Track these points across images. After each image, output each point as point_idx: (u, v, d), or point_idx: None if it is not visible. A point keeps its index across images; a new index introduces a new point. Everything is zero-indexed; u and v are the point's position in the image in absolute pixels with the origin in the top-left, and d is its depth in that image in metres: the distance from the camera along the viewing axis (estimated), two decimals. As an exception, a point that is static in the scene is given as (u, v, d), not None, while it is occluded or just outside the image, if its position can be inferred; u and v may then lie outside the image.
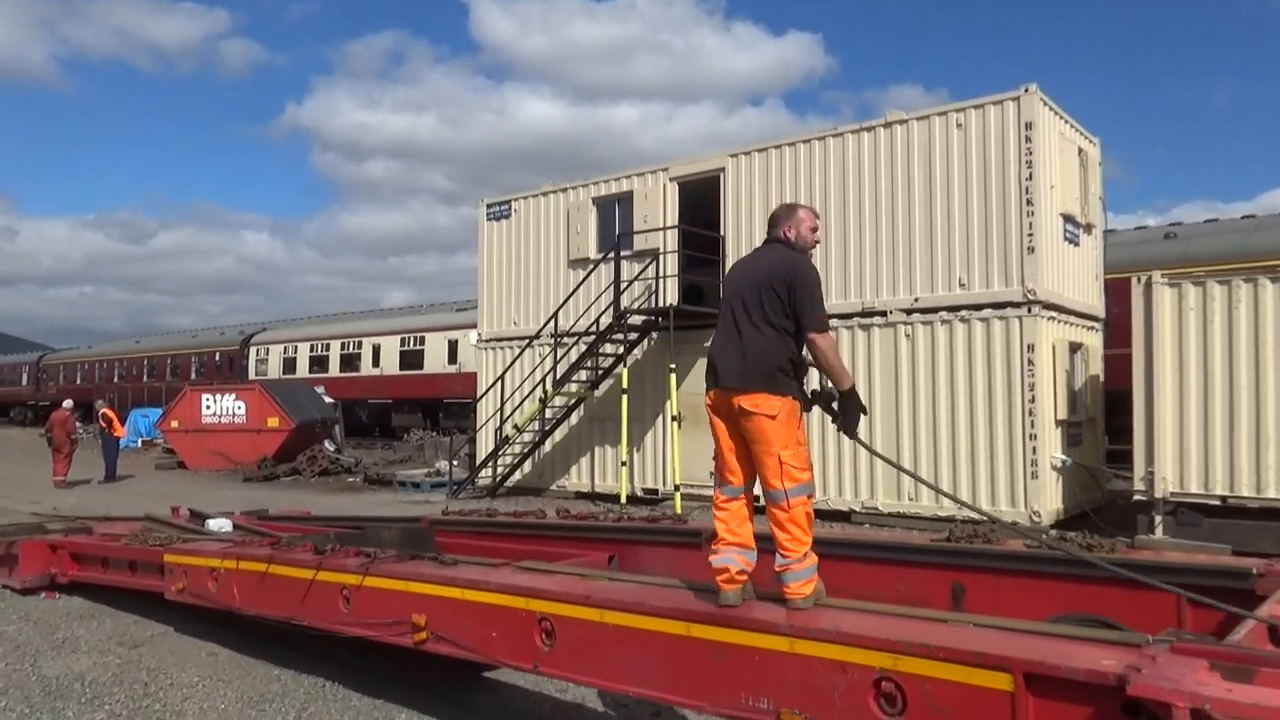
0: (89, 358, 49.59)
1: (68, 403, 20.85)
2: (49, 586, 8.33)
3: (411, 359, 30.43)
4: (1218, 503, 9.65)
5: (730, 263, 13.81)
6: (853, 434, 4.32)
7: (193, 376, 38.34)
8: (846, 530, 9.70)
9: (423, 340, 30.15)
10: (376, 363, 31.75)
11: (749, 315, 4.00)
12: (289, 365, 35.27)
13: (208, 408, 23.48)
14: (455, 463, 17.77)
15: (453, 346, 28.64)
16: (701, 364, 14.53)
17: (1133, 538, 8.18)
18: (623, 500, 13.71)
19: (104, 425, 20.38)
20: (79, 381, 47.58)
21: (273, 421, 22.51)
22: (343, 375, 32.69)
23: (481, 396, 16.74)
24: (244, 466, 21.41)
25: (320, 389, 26.63)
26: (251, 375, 35.73)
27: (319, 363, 34.16)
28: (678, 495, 13.12)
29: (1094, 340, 13.05)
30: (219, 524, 8.43)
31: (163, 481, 20.57)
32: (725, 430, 4.08)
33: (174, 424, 24.12)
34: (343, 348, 33.42)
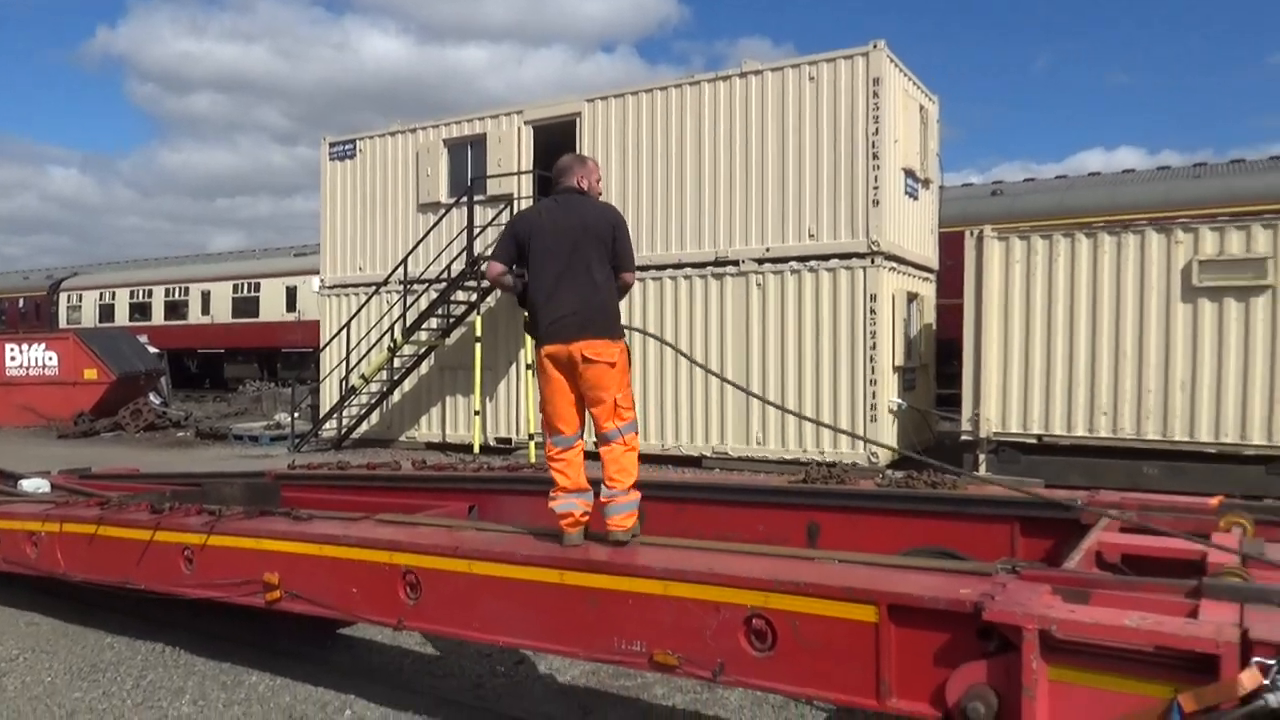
0: None
1: None
2: None
3: (246, 306, 28.76)
4: (1034, 441, 10.47)
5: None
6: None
7: (-7, 325, 34.97)
8: (707, 475, 9.92)
9: (258, 287, 28.52)
10: (206, 310, 29.84)
11: (587, 265, 4.05)
12: (106, 313, 32.64)
13: (12, 359, 21.49)
14: (297, 415, 17.01)
15: (291, 293, 27.26)
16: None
17: (964, 474, 8.77)
18: (476, 450, 13.54)
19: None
20: None
21: (90, 373, 20.85)
22: (168, 324, 30.55)
23: (325, 345, 16.06)
24: (58, 422, 19.79)
25: (143, 338, 24.81)
26: (62, 324, 32.88)
27: (140, 310, 31.77)
28: (532, 444, 13.06)
29: (928, 291, 13.79)
30: (34, 484, 7.73)
31: (-39, 440, 18.73)
32: (563, 382, 4.06)
33: (-28, 377, 21.93)
34: (168, 294, 31.19)
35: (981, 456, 10.67)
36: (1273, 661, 2.22)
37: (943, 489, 4.94)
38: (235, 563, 4.71)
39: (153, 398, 21.86)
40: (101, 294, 33.27)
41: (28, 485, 7.72)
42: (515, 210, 13.92)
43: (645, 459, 12.14)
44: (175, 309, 30.91)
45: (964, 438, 10.94)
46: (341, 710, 4.45)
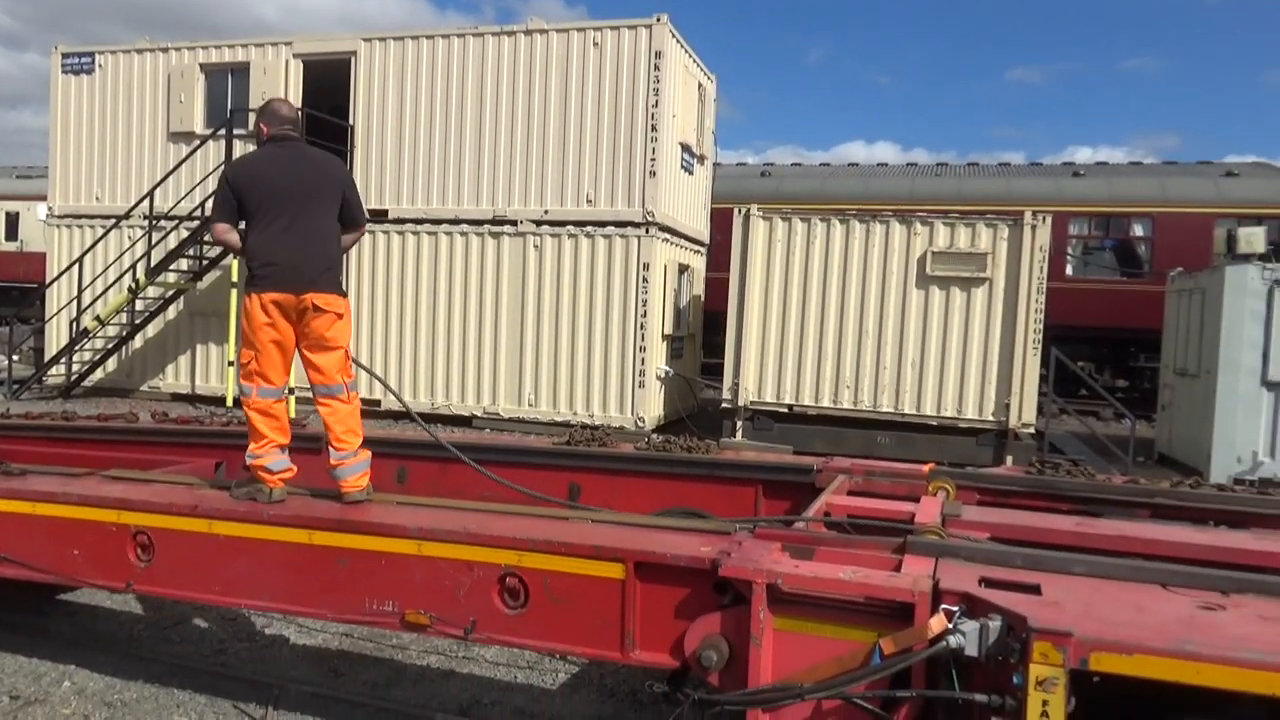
0: None
1: None
2: None
3: (-46, 232, 25.17)
4: (786, 410, 11.24)
5: (358, 156, 13.11)
6: None
7: None
8: (474, 434, 9.86)
9: (-29, 211, 25.03)
10: (-96, 233, 25.82)
11: (318, 216, 4.07)
12: None
13: None
14: (17, 358, 15.19)
15: (12, 220, 24.11)
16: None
17: (718, 439, 9.30)
18: (229, 403, 12.70)
19: None
20: None
21: None
22: None
23: (53, 281, 14.38)
24: None
25: None
26: None
27: None
28: (291, 398, 12.40)
29: (699, 263, 14.36)
30: None
31: None
32: (285, 333, 4.01)
33: None
34: None
35: (739, 423, 11.32)
36: (956, 609, 2.55)
37: (697, 453, 5.21)
38: (-72, 523, 4.18)
39: None
40: None
41: None
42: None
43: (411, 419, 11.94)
44: None
45: (724, 405, 11.55)
46: (59, 682, 4.10)
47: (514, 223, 12.38)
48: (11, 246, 24.11)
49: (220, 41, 13.80)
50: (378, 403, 11.99)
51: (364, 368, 5.30)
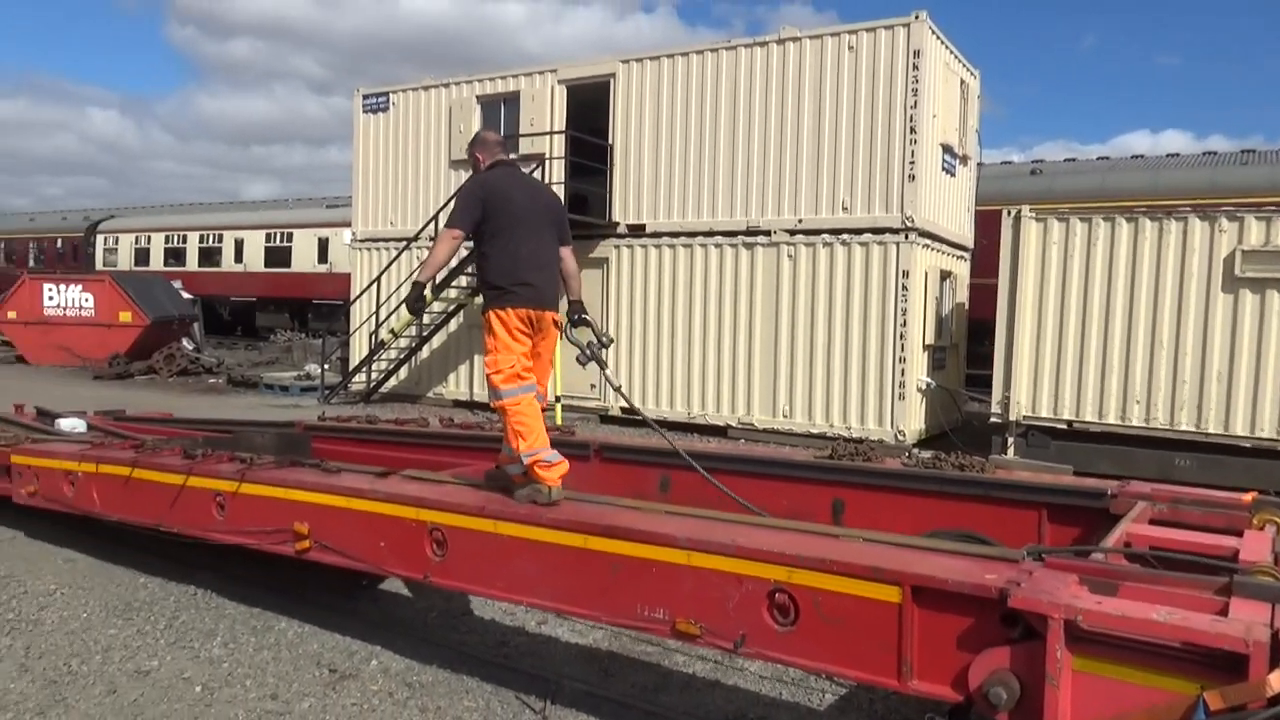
0: (-93, 238, 45.01)
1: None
2: None
3: (278, 256, 28.96)
4: (1064, 426, 10.38)
5: (617, 173, 13.64)
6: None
7: (31, 264, 35.45)
8: (732, 445, 9.90)
9: (291, 237, 28.70)
10: (239, 258, 30.09)
11: (552, 238, 4.51)
12: (141, 256, 33.00)
13: (50, 299, 21.82)
14: (327, 367, 17.19)
15: (323, 245, 27.41)
16: (585, 275, 14.26)
17: (987, 456, 8.74)
18: (501, 409, 13.62)
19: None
20: (-104, 264, 43.25)
21: (125, 316, 21.15)
22: (202, 270, 30.88)
23: (356, 299, 16.15)
24: (93, 363, 20.12)
25: (177, 284, 25.11)
26: (99, 266, 33.31)
27: (175, 255, 32.09)
28: (559, 406, 13.12)
29: (962, 269, 13.63)
30: (71, 424, 7.92)
31: (1, 376, 19.11)
32: (528, 342, 4.44)
33: (11, 315, 22.32)
34: (202, 240, 31.47)
35: (1010, 440, 10.60)
36: (1302, 664, 2.21)
37: (970, 471, 4.92)
38: (266, 511, 4.80)
39: (186, 343, 22.15)
40: (137, 238, 33.62)
41: (65, 425, 7.91)
42: (546, 170, 13.90)
43: (669, 426, 12.20)
44: (209, 255, 31.20)
45: (993, 420, 10.86)
46: (368, 660, 4.54)
47: (768, 233, 12.37)
48: (323, 268, 27.41)
49: (494, 74, 14.89)
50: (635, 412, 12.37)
51: (611, 381, 5.55)
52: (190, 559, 5.88)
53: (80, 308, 21.65)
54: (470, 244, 4.47)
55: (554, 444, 6.41)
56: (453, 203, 4.52)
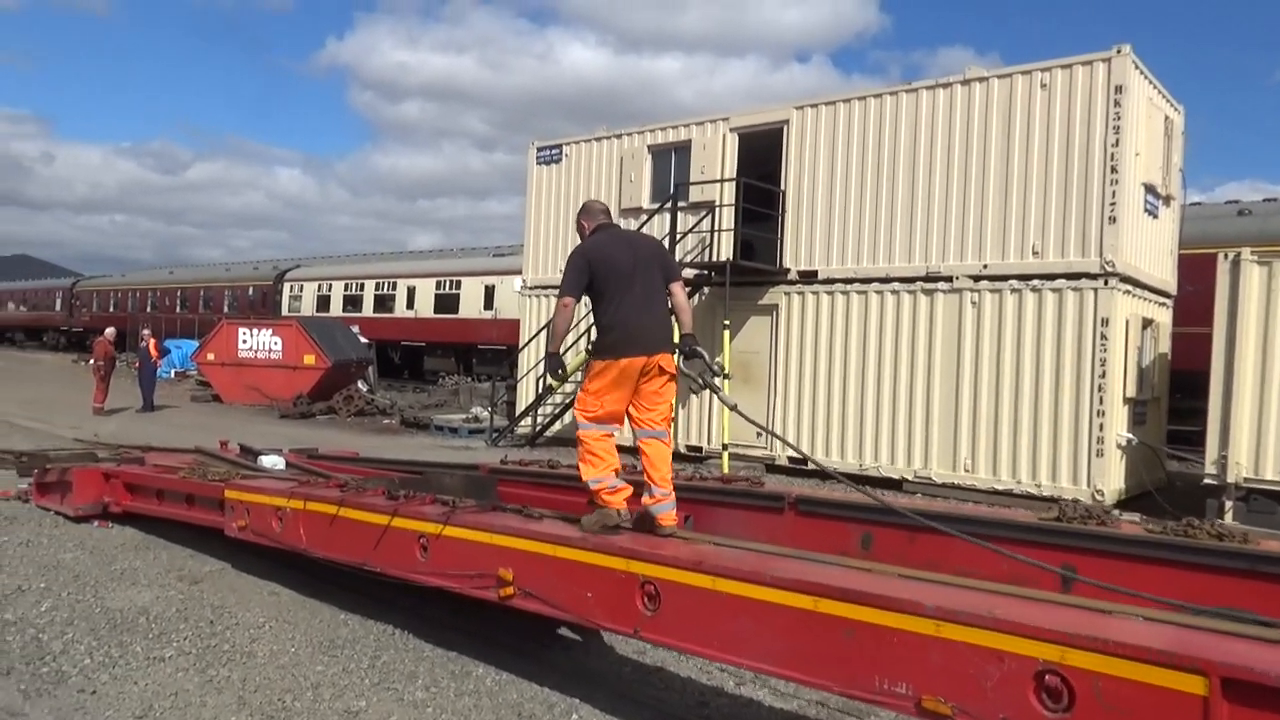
0: (122, 286, 49.85)
1: (110, 330, 20.83)
2: (101, 515, 8.26)
3: (446, 303, 30.24)
4: (1295, 491, 9.32)
5: (789, 219, 13.45)
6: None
7: (225, 310, 38.43)
8: (939, 503, 9.25)
9: (459, 284, 29.93)
10: (411, 305, 31.59)
11: (656, 284, 4.80)
12: (322, 303, 35.22)
13: (244, 342, 23.45)
14: (492, 410, 17.63)
15: (489, 292, 28.40)
16: (753, 322, 14.21)
17: (1203, 520, 7.90)
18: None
19: (154, 354, 20.36)
20: (112, 310, 47.89)
21: (309, 359, 22.46)
22: (376, 316, 32.60)
23: (525, 345, 16.52)
24: (279, 402, 21.40)
25: (355, 329, 26.54)
26: (284, 311, 35.74)
27: (352, 302, 34.07)
28: (725, 454, 12.90)
29: (1164, 317, 12.62)
30: (272, 460, 8.30)
31: (199, 414, 20.62)
32: (631, 388, 4.72)
33: (210, 357, 24.12)
34: (377, 288, 33.28)
35: (1228, 503, 9.61)
36: None
37: (1231, 541, 4.37)
38: (469, 555, 4.78)
39: (361, 385, 23.31)
40: (320, 285, 35.92)
41: (266, 461, 8.30)
42: (716, 217, 13.87)
43: (835, 479, 11.74)
44: (383, 302, 32.92)
45: (1207, 481, 9.90)
46: (569, 714, 4.41)
47: (949, 279, 11.83)
48: (489, 314, 28.37)
49: (664, 124, 15.07)
50: (804, 461, 11.99)
51: (727, 402, 5.56)
52: (384, 597, 5.98)
53: (270, 350, 23.14)
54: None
55: (742, 494, 6.27)
56: (563, 273, 4.90)
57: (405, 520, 5.19)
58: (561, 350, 5.26)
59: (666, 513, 4.64)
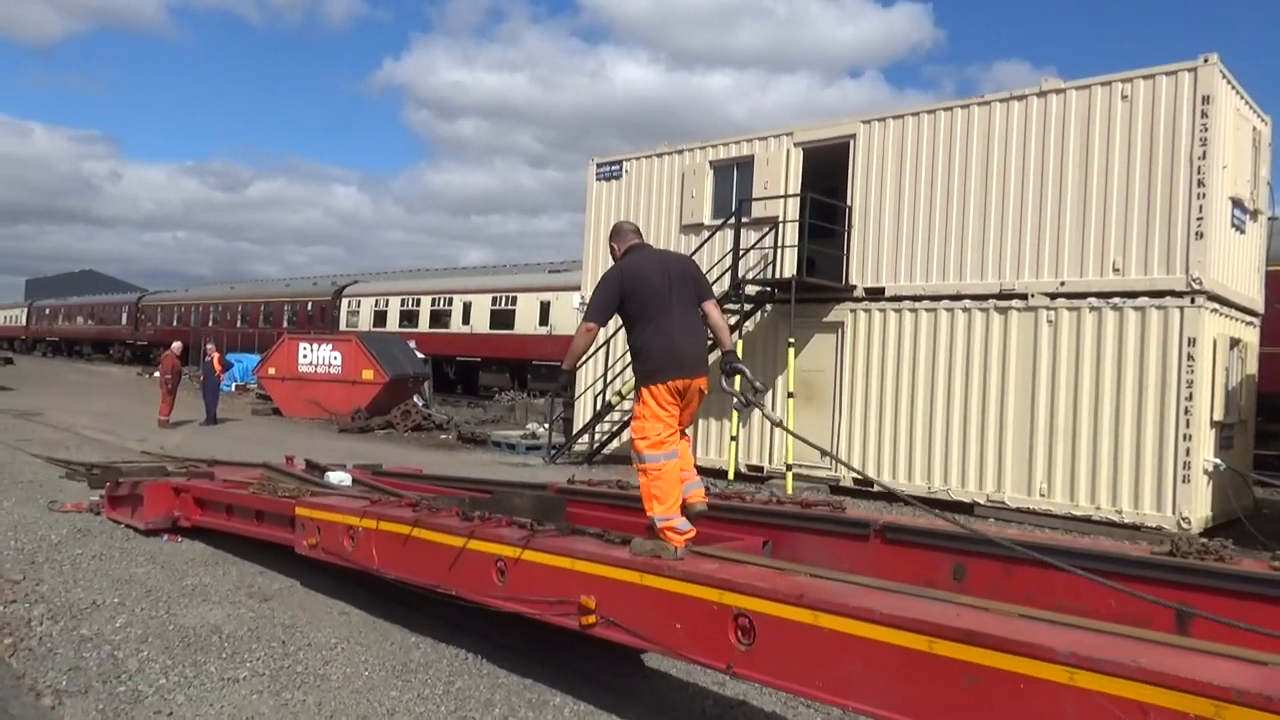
0: (185, 301, 51.05)
1: (177, 344, 21.23)
2: (171, 529, 8.30)
3: (502, 318, 30.36)
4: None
5: (855, 235, 13.19)
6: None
7: (285, 324, 39.09)
8: (1036, 533, 8.79)
9: (514, 300, 30.04)
10: (466, 320, 31.79)
11: (690, 305, 4.76)
12: (379, 318, 35.62)
13: (304, 357, 23.74)
14: (549, 426, 17.54)
15: (545, 308, 28.44)
16: (817, 339, 13.92)
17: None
18: (730, 476, 13.29)
19: (217, 368, 20.70)
20: (175, 323, 49.05)
21: (367, 374, 22.66)
22: (432, 331, 32.86)
23: (583, 362, 16.41)
24: (338, 417, 21.60)
25: (411, 344, 26.75)
26: (342, 326, 36.24)
27: (409, 317, 34.39)
28: (789, 475, 12.64)
29: (1252, 336, 12.10)
30: (338, 477, 8.25)
31: (261, 427, 20.88)
32: (677, 408, 4.70)
33: (271, 371, 24.47)
34: (433, 303, 33.57)
35: (1330, 534, 9.10)
36: None
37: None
38: (549, 581, 4.63)
39: (417, 400, 23.44)
40: (376, 301, 36.36)
41: (333, 478, 8.25)
42: (780, 233, 13.65)
43: (906, 502, 11.39)
44: (439, 318, 33.18)
45: (1304, 510, 9.38)
46: (654, 750, 4.22)
47: (1024, 296, 11.46)
48: (544, 330, 28.41)
49: (726, 139, 14.91)
50: (870, 484, 11.68)
51: (771, 418, 5.80)
52: (453, 618, 5.85)
53: (329, 365, 23.40)
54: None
55: (824, 520, 6.03)
56: (591, 295, 4.91)
57: (481, 543, 5.06)
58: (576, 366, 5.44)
59: (695, 490, 4.81)
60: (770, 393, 13.98)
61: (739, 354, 6.44)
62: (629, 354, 4.97)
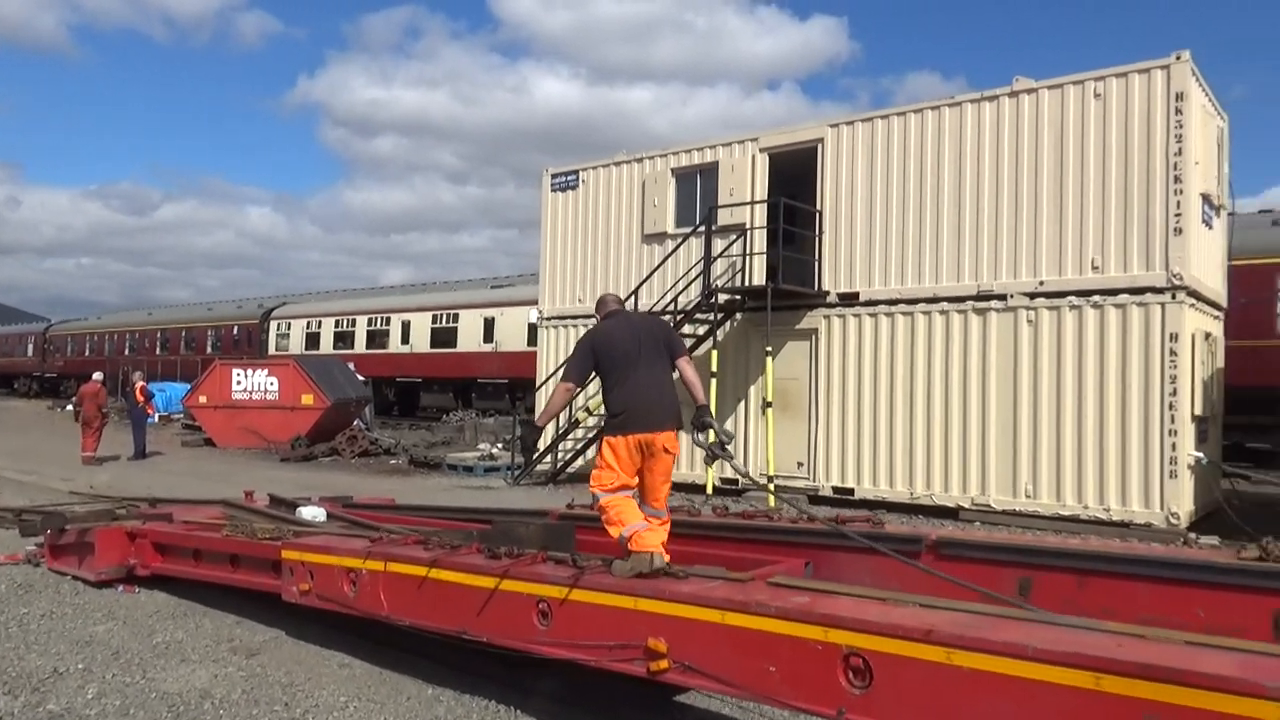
0: (98, 329, 48.62)
1: (98, 375, 19.93)
2: (126, 579, 7.52)
3: (444, 336, 29.43)
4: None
5: (826, 240, 12.97)
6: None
7: (209, 350, 37.43)
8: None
9: (456, 318, 29.17)
10: (406, 340, 30.77)
11: (660, 365, 5.09)
12: (312, 340, 34.28)
13: (238, 383, 22.60)
14: (504, 446, 16.93)
15: (489, 324, 27.66)
16: (791, 347, 13.63)
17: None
18: (709, 490, 12.90)
19: (141, 399, 19.48)
20: (88, 353, 46.67)
21: (307, 399, 21.66)
22: (370, 351, 31.76)
23: (546, 381, 15.86)
24: (277, 445, 20.57)
25: (350, 365, 25.74)
26: (271, 350, 34.81)
27: (344, 339, 33.17)
28: (772, 487, 12.27)
29: (1219, 330, 12.23)
30: (311, 512, 7.59)
31: (194, 460, 19.75)
32: (638, 461, 5.00)
33: (202, 399, 23.22)
34: (370, 323, 32.45)
35: (1323, 524, 9.10)
36: None
37: None
38: (606, 622, 4.16)
39: (358, 424, 22.49)
40: (309, 323, 34.99)
41: (305, 512, 7.58)
42: (748, 240, 13.37)
43: (887, 508, 11.17)
44: (376, 338, 32.07)
45: (1294, 501, 9.41)
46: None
47: (1003, 297, 11.36)
48: (488, 347, 27.60)
49: (689, 146, 14.57)
50: (850, 491, 11.45)
51: (739, 470, 6.03)
52: (472, 666, 5.31)
53: (265, 391, 22.32)
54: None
55: (869, 537, 5.65)
56: (568, 358, 5.32)
57: (518, 583, 4.55)
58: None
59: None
60: (740, 403, 13.65)
61: (712, 409, 6.80)
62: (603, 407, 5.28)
